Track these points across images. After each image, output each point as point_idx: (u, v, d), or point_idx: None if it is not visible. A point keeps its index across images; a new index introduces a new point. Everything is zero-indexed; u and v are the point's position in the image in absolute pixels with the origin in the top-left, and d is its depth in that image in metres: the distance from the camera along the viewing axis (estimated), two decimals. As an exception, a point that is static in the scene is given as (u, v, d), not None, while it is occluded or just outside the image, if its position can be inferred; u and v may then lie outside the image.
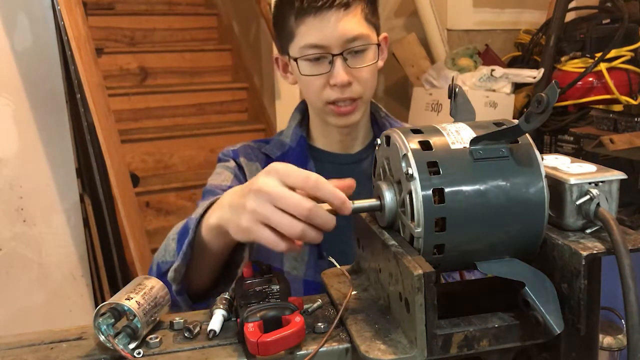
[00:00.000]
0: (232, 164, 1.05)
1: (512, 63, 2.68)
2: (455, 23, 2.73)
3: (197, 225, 0.76)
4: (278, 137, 1.10)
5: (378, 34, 1.02)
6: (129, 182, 2.12)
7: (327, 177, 1.02)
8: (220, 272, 0.81)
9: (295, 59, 0.97)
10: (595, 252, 0.51)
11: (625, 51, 2.19)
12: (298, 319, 0.54)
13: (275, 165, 0.62)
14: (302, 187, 0.60)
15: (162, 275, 0.82)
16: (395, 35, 2.74)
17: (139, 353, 0.55)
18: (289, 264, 1.00)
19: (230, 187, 1.00)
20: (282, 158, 1.05)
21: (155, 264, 0.85)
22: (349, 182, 0.63)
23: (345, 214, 0.60)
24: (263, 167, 1.04)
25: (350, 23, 0.94)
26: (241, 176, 1.04)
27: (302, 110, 1.10)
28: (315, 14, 0.93)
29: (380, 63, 1.04)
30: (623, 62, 2.19)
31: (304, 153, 1.05)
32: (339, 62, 0.94)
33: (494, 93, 2.31)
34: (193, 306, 0.82)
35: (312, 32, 0.94)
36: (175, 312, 0.66)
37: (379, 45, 1.00)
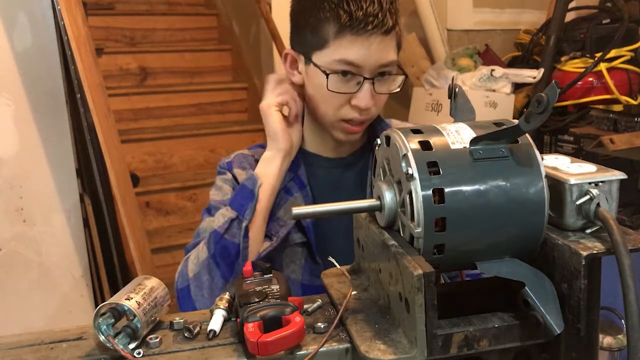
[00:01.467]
0: (229, 176, 1.06)
1: (512, 63, 2.67)
2: (455, 23, 2.73)
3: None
4: None
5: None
6: (129, 182, 2.12)
7: (318, 180, 1.04)
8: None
9: (327, 74, 0.93)
10: (595, 252, 0.51)
11: (625, 51, 2.19)
12: (298, 319, 0.54)
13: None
14: None
15: (220, 239, 0.93)
16: (395, 35, 2.72)
17: (139, 353, 0.55)
18: (288, 268, 1.01)
19: None
20: None
21: (209, 231, 0.95)
22: None
23: None
24: None
25: (387, 48, 0.94)
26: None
27: None
28: (359, 33, 0.90)
29: None
30: (623, 62, 2.19)
31: (295, 158, 1.05)
32: (367, 86, 0.94)
33: (494, 93, 2.30)
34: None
35: (352, 49, 0.91)
36: (175, 311, 0.66)
37: (406, 76, 1.01)
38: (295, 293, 1.00)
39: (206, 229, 0.97)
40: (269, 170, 0.98)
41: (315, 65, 0.95)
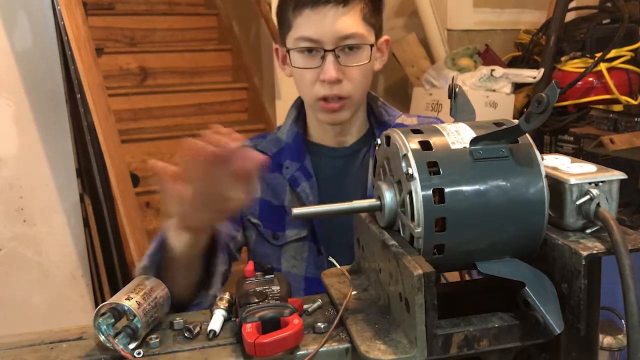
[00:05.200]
0: None
1: (512, 63, 2.67)
2: (455, 23, 2.73)
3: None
4: (275, 134, 1.10)
5: (378, 36, 1.01)
6: (129, 182, 2.12)
7: (323, 170, 1.04)
8: (198, 285, 0.83)
9: (288, 50, 0.98)
10: (595, 252, 0.51)
11: (625, 51, 2.19)
12: (296, 321, 0.54)
13: None
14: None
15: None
16: (395, 35, 2.73)
17: (139, 353, 0.55)
18: (288, 263, 1.01)
19: None
20: (279, 155, 1.06)
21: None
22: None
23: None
24: None
25: (347, 21, 0.94)
26: None
27: (299, 106, 1.10)
28: (313, 7, 0.93)
29: (378, 66, 1.03)
30: (623, 62, 2.19)
31: (300, 149, 1.05)
32: (330, 58, 0.94)
33: (494, 93, 2.31)
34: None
35: (307, 24, 0.94)
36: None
37: (372, 46, 0.98)
38: (300, 287, 1.00)
39: None
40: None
41: (287, 49, 0.99)
